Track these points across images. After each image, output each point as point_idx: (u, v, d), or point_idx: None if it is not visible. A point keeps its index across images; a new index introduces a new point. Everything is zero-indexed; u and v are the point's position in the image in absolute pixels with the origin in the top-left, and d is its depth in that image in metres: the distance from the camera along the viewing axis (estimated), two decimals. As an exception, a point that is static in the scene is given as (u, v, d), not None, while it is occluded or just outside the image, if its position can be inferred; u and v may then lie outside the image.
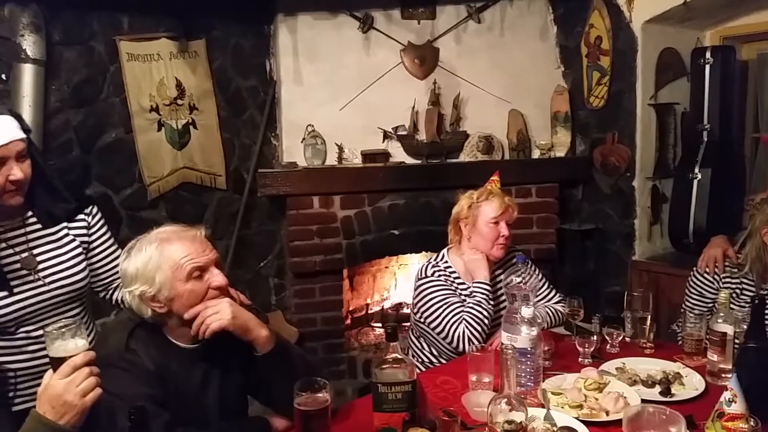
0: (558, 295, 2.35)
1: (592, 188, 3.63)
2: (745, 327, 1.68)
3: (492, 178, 2.28)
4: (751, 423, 1.35)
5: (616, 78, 3.41)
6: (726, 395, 1.40)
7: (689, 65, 3.32)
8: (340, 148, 3.27)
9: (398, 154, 3.38)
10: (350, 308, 3.53)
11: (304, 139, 3.27)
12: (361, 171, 3.23)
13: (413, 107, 3.34)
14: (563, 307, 2.25)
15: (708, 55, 3.15)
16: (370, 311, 3.64)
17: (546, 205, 3.52)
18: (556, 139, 3.59)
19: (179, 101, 3.07)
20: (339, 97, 3.30)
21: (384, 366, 1.47)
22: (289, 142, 3.33)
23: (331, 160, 3.28)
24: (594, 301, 3.50)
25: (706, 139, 3.20)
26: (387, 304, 3.71)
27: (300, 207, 3.16)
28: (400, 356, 1.48)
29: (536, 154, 3.57)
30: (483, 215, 2.16)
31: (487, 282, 2.14)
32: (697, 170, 3.18)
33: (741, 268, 2.36)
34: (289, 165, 3.24)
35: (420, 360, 2.32)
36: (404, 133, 3.35)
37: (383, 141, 3.35)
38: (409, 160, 3.37)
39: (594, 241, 3.61)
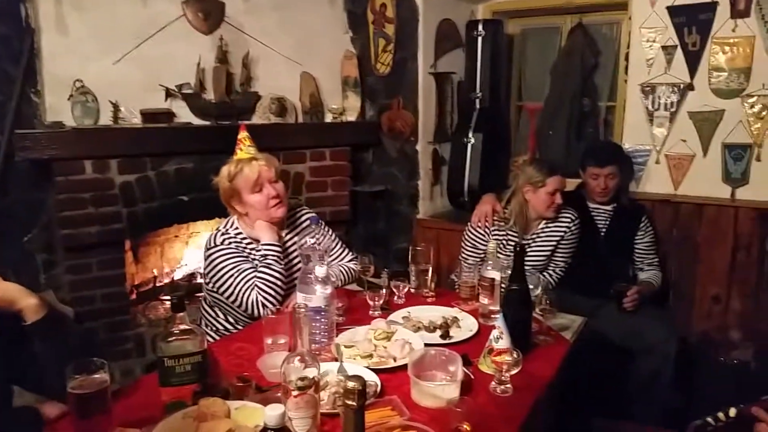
0: (351, 253, 2.42)
1: (381, 152, 3.79)
2: (510, 273, 1.89)
3: (239, 137, 2.17)
4: (514, 355, 1.54)
5: (400, 46, 3.56)
6: (494, 333, 1.58)
7: (464, 36, 3.59)
8: (116, 107, 2.94)
9: (184, 114, 3.14)
10: (135, 282, 3.26)
11: (71, 95, 2.88)
12: (141, 132, 2.96)
13: (198, 64, 3.13)
14: (356, 264, 2.33)
15: (480, 27, 3.44)
16: (158, 284, 3.40)
17: (339, 168, 3.59)
18: (347, 104, 3.66)
19: None
20: (112, 50, 2.96)
21: (170, 338, 1.39)
22: (53, 99, 2.91)
23: (105, 119, 2.94)
24: (385, 257, 3.70)
25: (478, 106, 3.52)
26: (178, 275, 3.51)
27: (69, 172, 2.80)
28: (188, 327, 1.40)
29: (329, 117, 3.61)
30: (243, 189, 2.11)
31: (275, 243, 2.12)
32: (470, 135, 3.48)
33: (507, 221, 2.67)
34: (54, 125, 2.84)
35: (215, 329, 2.24)
36: (190, 91, 3.12)
37: (166, 99, 3.09)
38: (197, 121, 3.17)
39: (384, 201, 3.80)
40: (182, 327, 1.40)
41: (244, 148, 2.14)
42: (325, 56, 3.58)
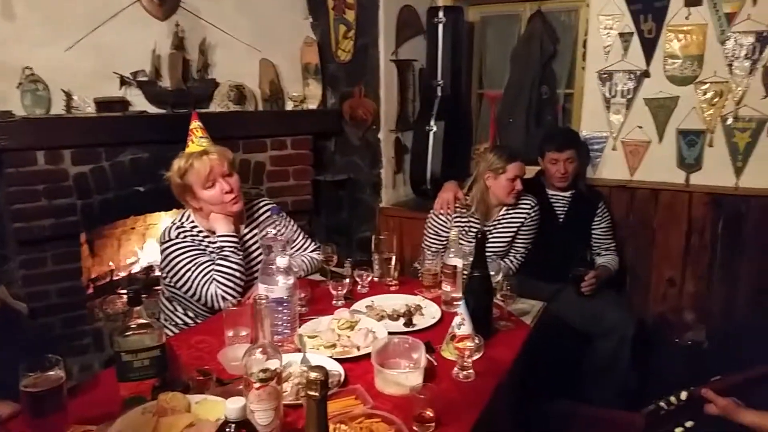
0: (314, 243, 2.40)
1: (343, 140, 3.76)
2: (471, 259, 1.90)
3: (191, 127, 2.07)
4: (476, 341, 1.56)
5: (360, 33, 3.53)
6: (456, 320, 1.59)
7: (425, 23, 3.59)
8: (68, 95, 2.85)
9: (139, 103, 3.06)
10: (92, 276, 3.18)
11: (20, 84, 2.78)
12: (95, 121, 2.86)
13: (154, 51, 3.05)
14: (318, 254, 2.32)
15: (441, 14, 3.44)
16: (116, 277, 3.32)
17: (301, 157, 3.55)
18: (308, 92, 3.61)
19: None
20: (63, 37, 2.85)
21: (127, 333, 1.36)
22: (0, 87, 2.80)
23: (58, 108, 2.84)
24: (348, 246, 3.70)
25: (440, 94, 3.53)
26: (136, 268, 3.43)
27: (20, 164, 2.70)
28: (145, 321, 1.38)
29: (290, 105, 3.56)
30: (195, 184, 2.04)
31: (231, 234, 2.09)
32: (432, 123, 3.49)
33: (468, 208, 2.69)
34: (2, 115, 2.73)
35: (174, 323, 2.20)
36: (145, 79, 3.04)
37: (120, 87, 3.00)
38: (152, 109, 3.08)
39: (347, 190, 3.78)
40: (139, 321, 1.38)
41: (196, 140, 2.05)
42: (285, 43, 3.53)
